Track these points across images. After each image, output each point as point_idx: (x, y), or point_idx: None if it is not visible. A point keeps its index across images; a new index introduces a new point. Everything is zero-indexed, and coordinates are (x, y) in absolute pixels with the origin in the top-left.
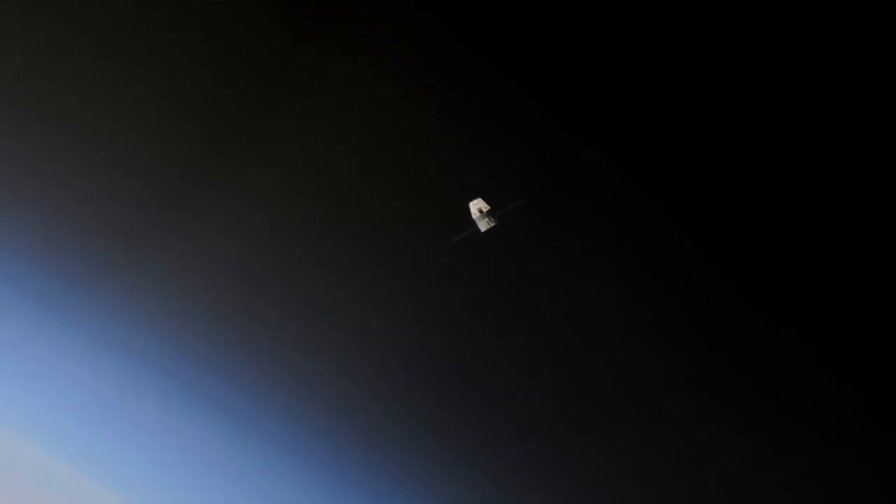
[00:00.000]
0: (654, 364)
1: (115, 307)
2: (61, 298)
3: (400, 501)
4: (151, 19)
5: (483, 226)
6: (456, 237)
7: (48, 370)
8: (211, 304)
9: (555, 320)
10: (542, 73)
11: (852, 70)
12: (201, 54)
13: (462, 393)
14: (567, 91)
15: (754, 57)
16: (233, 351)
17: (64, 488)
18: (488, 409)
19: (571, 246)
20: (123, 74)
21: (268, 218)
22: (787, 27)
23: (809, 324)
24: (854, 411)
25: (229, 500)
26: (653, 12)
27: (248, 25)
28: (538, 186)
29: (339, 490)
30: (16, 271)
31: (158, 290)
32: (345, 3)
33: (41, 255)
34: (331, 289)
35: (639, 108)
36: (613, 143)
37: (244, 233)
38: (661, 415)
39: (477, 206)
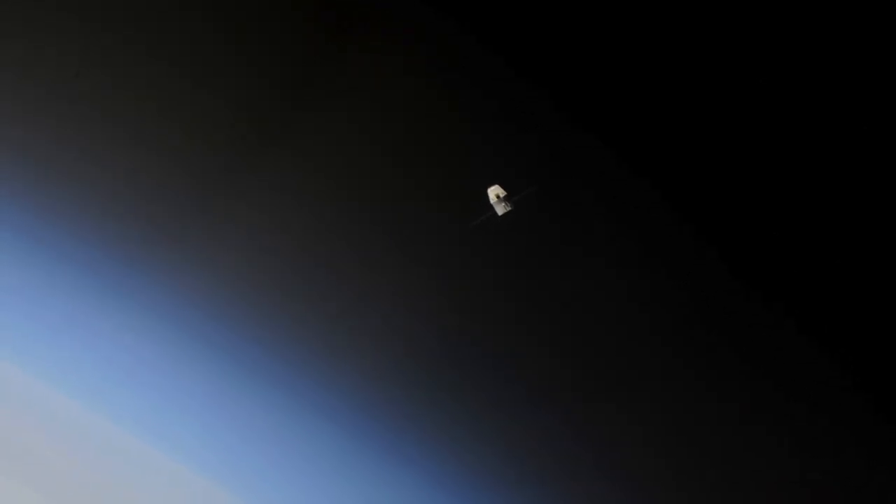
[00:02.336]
0: (660, 338)
1: (167, 285)
2: (119, 278)
3: (423, 462)
4: (200, 23)
5: (500, 210)
6: (475, 220)
7: (107, 343)
8: (255, 282)
9: (568, 298)
10: (555, 72)
11: (850, 67)
12: (244, 55)
13: (482, 363)
14: (578, 89)
15: (759, 56)
16: (274, 324)
17: (119, 453)
18: (507, 378)
19: (581, 229)
20: (174, 74)
21: (306, 203)
22: (788, 28)
23: (799, 301)
24: (838, 378)
25: (268, 458)
26: (661, 15)
27: (287, 29)
28: (550, 175)
29: (369, 450)
30: (79, 254)
31: (207, 269)
32: (376, 8)
33: (102, 239)
34: (363, 268)
35: (645, 105)
36: (621, 136)
37: (284, 216)
38: (666, 383)
39: (494, 192)
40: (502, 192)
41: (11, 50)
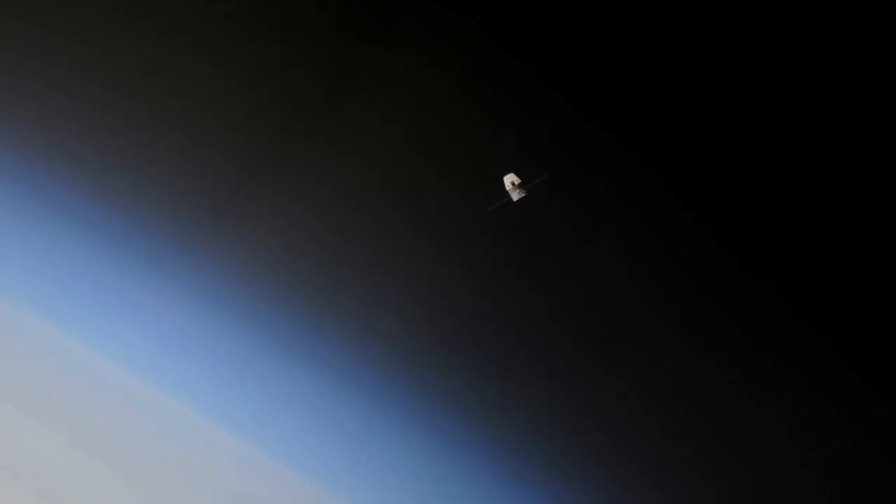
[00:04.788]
0: (660, 312)
1: (207, 264)
2: (163, 257)
3: (441, 424)
4: (239, 23)
5: (515, 196)
6: (492, 206)
7: (152, 317)
8: (288, 262)
9: (576, 276)
10: (565, 69)
11: (850, 66)
12: (283, 55)
13: (499, 338)
14: (587, 85)
15: (761, 55)
16: (306, 300)
17: (167, 420)
18: (521, 350)
19: (589, 214)
20: (219, 73)
21: (335, 189)
22: (789, 28)
23: (789, 279)
24: (824, 350)
25: (300, 422)
26: (664, 17)
27: (321, 29)
28: (562, 164)
29: (394, 414)
30: (126, 233)
31: (244, 249)
32: (401, 10)
33: (148, 221)
34: (389, 249)
35: (649, 100)
36: (627, 130)
37: (316, 201)
38: (665, 354)
39: (510, 180)
40: (517, 180)
41: (71, 51)
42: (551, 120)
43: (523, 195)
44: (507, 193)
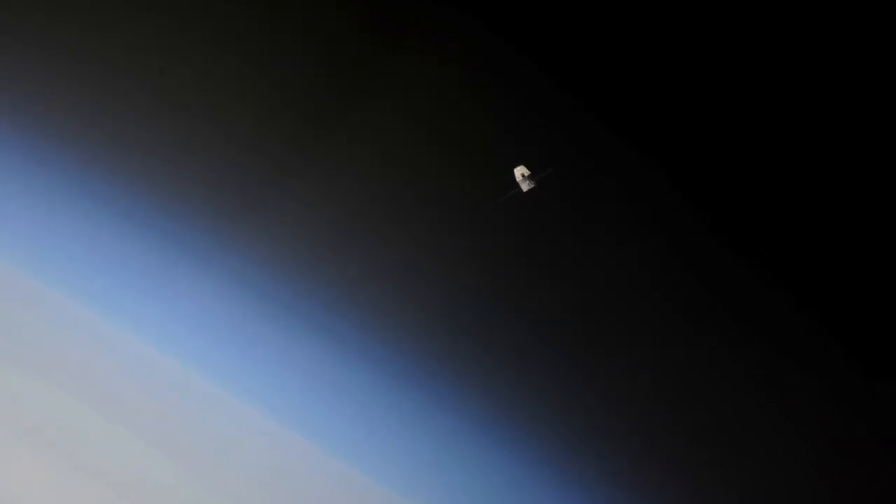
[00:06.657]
0: (664, 300)
1: (235, 252)
2: (194, 243)
3: (457, 405)
4: (268, 23)
5: (525, 187)
6: (503, 196)
7: (181, 299)
8: (311, 250)
9: (583, 264)
10: (572, 66)
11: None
12: (303, 55)
13: (507, 319)
14: (592, 83)
15: (763, 55)
16: (329, 285)
17: (193, 395)
18: (531, 335)
19: (593, 203)
20: (246, 72)
21: (356, 182)
22: (793, 28)
23: (785, 266)
24: (815, 333)
25: (326, 402)
26: (666, 18)
27: (344, 30)
28: (568, 157)
29: (412, 396)
30: (160, 222)
31: (270, 237)
32: (415, 12)
33: (179, 209)
34: (408, 238)
35: (651, 95)
36: (630, 125)
37: (338, 194)
38: (669, 340)
39: (520, 172)
40: (527, 172)
41: (104, 51)
42: (558, 115)
43: (533, 186)
44: (517, 184)
